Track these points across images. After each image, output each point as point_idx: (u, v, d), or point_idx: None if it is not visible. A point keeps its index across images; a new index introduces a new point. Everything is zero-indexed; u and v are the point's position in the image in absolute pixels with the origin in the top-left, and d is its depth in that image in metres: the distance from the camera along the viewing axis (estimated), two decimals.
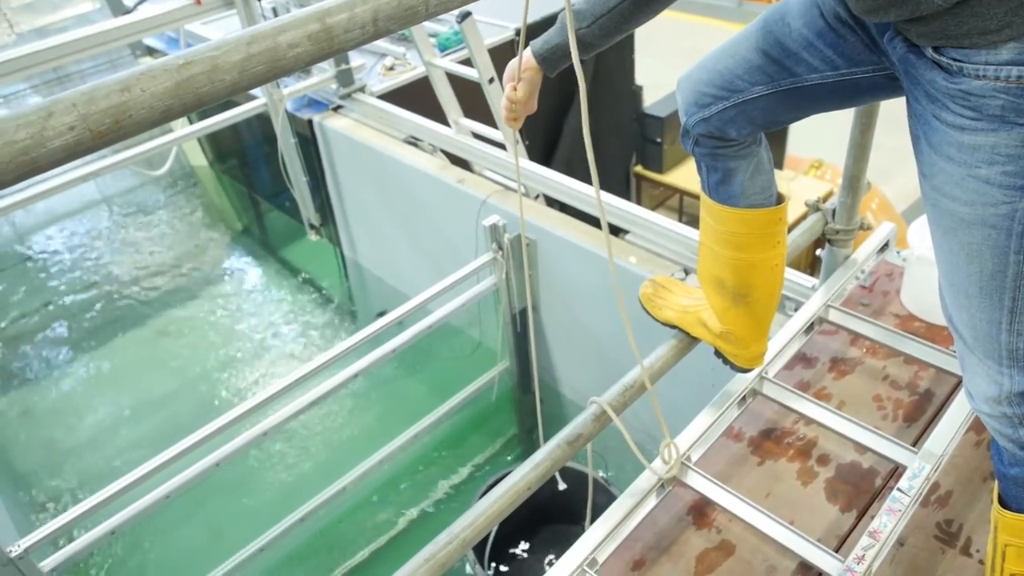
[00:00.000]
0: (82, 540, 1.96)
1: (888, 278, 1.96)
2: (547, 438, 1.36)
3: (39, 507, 3.09)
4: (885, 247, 2.00)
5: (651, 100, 4.88)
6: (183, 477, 2.09)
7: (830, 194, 4.21)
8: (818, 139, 4.41)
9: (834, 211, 1.86)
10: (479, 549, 2.40)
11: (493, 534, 2.40)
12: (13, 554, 1.74)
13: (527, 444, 3.18)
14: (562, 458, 1.31)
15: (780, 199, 1.31)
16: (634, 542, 1.42)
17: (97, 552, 2.83)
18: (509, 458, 3.13)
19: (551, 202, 2.84)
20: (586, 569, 1.33)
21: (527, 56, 1.16)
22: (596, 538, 1.36)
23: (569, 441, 1.32)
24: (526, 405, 3.13)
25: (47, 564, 1.88)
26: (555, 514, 2.64)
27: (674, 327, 1.53)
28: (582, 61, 1.02)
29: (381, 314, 2.47)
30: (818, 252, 1.98)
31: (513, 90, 1.19)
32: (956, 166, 0.86)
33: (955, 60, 0.81)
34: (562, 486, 2.05)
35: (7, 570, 1.74)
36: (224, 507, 2.96)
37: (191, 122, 3.70)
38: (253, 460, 3.11)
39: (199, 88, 0.67)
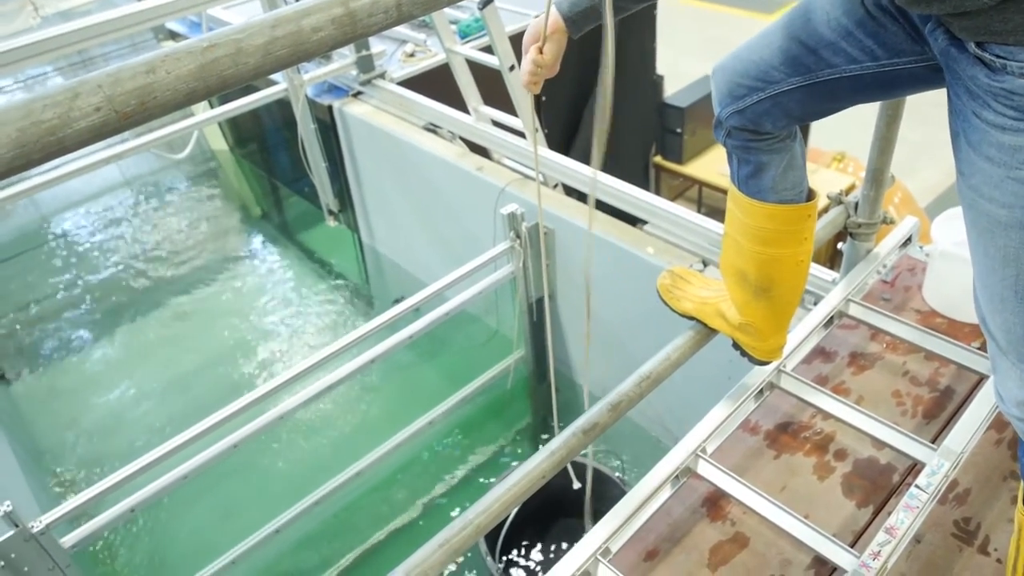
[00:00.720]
0: (102, 517, 1.99)
1: (910, 273, 1.94)
2: (562, 427, 1.36)
3: (60, 484, 3.15)
4: (908, 242, 1.98)
5: (672, 90, 4.85)
6: (202, 458, 2.11)
7: (852, 187, 4.16)
8: (841, 131, 4.35)
9: (856, 204, 1.84)
10: (492, 539, 2.40)
11: (507, 524, 2.40)
12: (35, 530, 1.77)
13: (542, 433, 3.18)
14: (577, 447, 1.31)
15: (811, 195, 1.28)
16: (647, 533, 1.42)
17: (116, 529, 2.87)
18: (523, 446, 3.14)
19: (569, 191, 2.83)
20: (599, 558, 1.33)
21: (554, 16, 1.12)
22: (609, 528, 1.36)
23: (585, 430, 1.32)
24: (541, 394, 3.14)
25: (68, 540, 1.91)
26: (569, 508, 2.65)
27: (692, 318, 1.53)
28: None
29: (398, 300, 2.48)
30: (839, 245, 1.96)
31: (539, 53, 1.14)
32: (996, 167, 0.83)
33: (998, 57, 0.79)
34: (577, 485, 2.06)
35: (29, 545, 1.77)
36: (240, 489, 3.00)
37: (212, 106, 3.72)
38: (269, 443, 3.14)
39: (223, 71, 0.67)
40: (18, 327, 4.02)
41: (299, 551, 2.75)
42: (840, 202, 1.86)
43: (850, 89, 1.07)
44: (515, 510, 1.31)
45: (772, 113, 1.14)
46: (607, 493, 2.53)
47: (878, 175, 1.77)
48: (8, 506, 1.70)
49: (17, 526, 1.73)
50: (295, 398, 2.28)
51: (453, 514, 2.88)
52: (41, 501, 2.90)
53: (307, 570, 2.71)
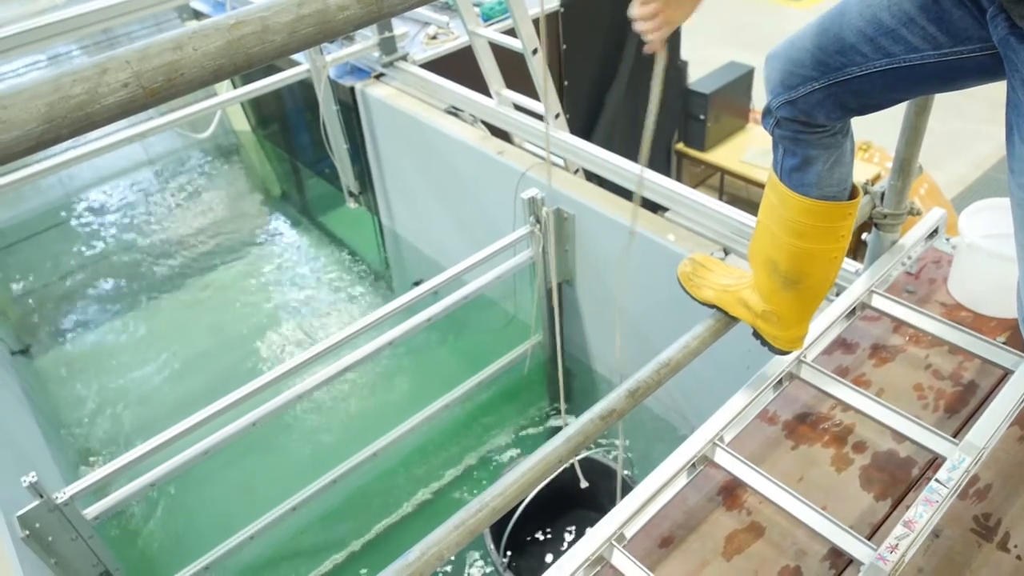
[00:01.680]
0: (124, 491, 2.02)
1: (935, 265, 1.91)
2: (577, 413, 1.36)
3: (83, 457, 3.21)
4: (934, 233, 1.95)
5: (696, 76, 4.79)
6: (221, 435, 2.14)
7: (878, 177, 4.10)
8: (866, 120, 4.29)
9: (883, 194, 1.81)
10: (497, 530, 2.41)
11: (518, 514, 2.41)
12: (59, 501, 1.81)
13: (557, 418, 3.19)
14: (594, 432, 1.31)
15: (853, 193, 1.25)
16: (663, 520, 1.42)
17: (137, 503, 2.92)
18: (539, 431, 3.14)
19: (589, 176, 2.81)
20: (613, 544, 1.33)
21: None
22: (625, 514, 1.36)
23: (602, 416, 1.32)
24: (557, 379, 3.14)
25: (90, 512, 1.95)
26: (576, 499, 2.66)
27: (712, 307, 1.52)
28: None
29: (417, 283, 2.48)
30: (863, 236, 1.94)
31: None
32: None
33: None
34: (584, 484, 2.06)
35: (53, 515, 1.81)
36: (259, 466, 3.03)
37: (235, 86, 3.74)
38: (287, 422, 3.17)
39: (249, 48, 0.67)
40: (43, 302, 4.09)
41: (316, 528, 2.78)
42: (866, 192, 1.83)
43: (910, 80, 1.02)
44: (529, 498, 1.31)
45: (825, 104, 1.10)
46: (609, 486, 2.53)
47: (906, 165, 1.74)
48: (33, 477, 1.73)
49: (42, 496, 1.77)
50: (313, 378, 2.30)
51: (466, 497, 2.90)
52: (65, 473, 2.95)
53: (324, 547, 2.75)
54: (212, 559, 2.37)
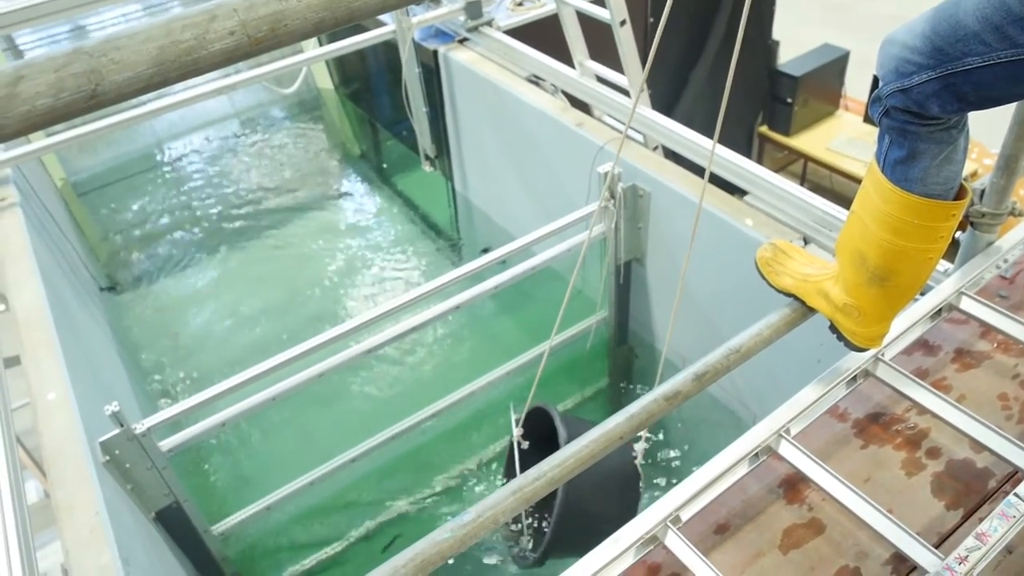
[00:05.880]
0: (197, 427, 2.12)
1: None
2: (639, 392, 1.35)
3: (159, 393, 3.37)
4: None
5: (786, 57, 4.62)
6: (289, 383, 2.21)
7: (975, 174, 3.89)
8: None
9: (983, 192, 1.71)
10: None
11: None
12: (138, 431, 1.91)
13: (616, 396, 3.17)
14: (658, 412, 1.30)
15: (960, 193, 1.18)
16: (720, 506, 1.40)
17: (207, 442, 3.06)
18: (598, 407, 3.14)
19: (667, 153, 2.76)
20: (668, 525, 1.32)
21: None
22: (682, 496, 1.35)
23: (667, 397, 1.31)
24: (620, 357, 3.12)
25: (165, 444, 2.05)
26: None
27: (790, 295, 1.47)
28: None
29: (485, 251, 2.49)
30: (957, 234, 1.84)
31: None
32: None
33: None
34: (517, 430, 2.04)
35: (132, 444, 1.91)
36: (320, 417, 3.13)
37: (321, 44, 3.79)
38: (352, 377, 3.26)
39: (352, 2, 0.68)
40: (131, 243, 4.28)
41: (373, 481, 2.86)
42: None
43: None
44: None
45: (941, 96, 1.03)
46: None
47: (1011, 162, 1.64)
48: (116, 406, 1.83)
49: (122, 426, 1.87)
50: (380, 336, 2.35)
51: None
52: (143, 405, 3.12)
53: (379, 499, 2.83)
54: (273, 500, 2.47)
